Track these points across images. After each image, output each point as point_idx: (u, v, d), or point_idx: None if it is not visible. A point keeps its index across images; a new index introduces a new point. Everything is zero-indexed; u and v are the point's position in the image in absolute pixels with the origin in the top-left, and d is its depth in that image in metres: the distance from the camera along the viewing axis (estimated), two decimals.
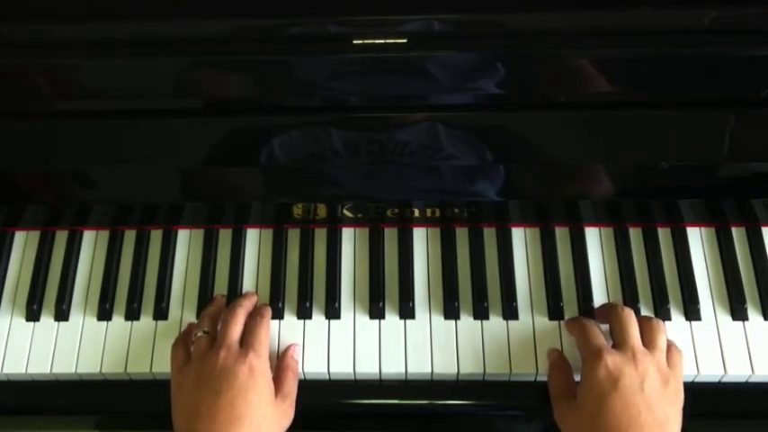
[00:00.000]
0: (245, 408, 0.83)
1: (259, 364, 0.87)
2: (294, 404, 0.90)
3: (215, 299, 0.98)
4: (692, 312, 0.96)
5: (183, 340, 0.93)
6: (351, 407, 0.96)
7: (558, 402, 0.89)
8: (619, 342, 0.88)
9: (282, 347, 0.95)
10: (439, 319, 0.96)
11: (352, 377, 0.95)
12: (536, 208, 0.99)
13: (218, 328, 0.92)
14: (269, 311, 0.95)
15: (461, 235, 1.01)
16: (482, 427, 1.00)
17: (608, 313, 0.92)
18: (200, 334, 0.91)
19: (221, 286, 0.99)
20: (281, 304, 0.97)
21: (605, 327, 0.93)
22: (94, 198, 0.97)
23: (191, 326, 0.96)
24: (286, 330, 0.96)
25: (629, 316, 0.90)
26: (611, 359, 0.84)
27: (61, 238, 1.03)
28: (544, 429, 0.93)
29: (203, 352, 0.89)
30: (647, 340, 0.88)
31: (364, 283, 0.99)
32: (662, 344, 0.88)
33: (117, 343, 0.96)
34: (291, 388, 0.91)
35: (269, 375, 0.88)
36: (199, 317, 0.96)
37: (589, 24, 0.84)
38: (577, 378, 0.90)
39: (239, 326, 0.92)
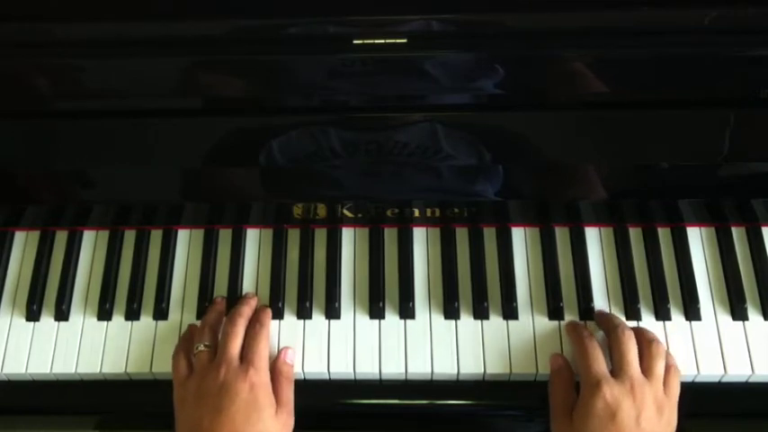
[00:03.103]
0: (246, 424, 0.84)
1: (259, 379, 0.88)
2: (293, 411, 0.90)
3: (215, 302, 0.97)
4: (691, 312, 0.96)
5: (184, 349, 0.93)
6: (351, 407, 0.96)
7: (557, 418, 0.89)
8: (617, 370, 0.88)
9: (282, 348, 0.95)
10: (439, 318, 0.96)
11: (353, 377, 0.95)
12: (536, 208, 0.99)
13: (219, 338, 0.92)
14: (268, 317, 0.95)
15: (461, 235, 1.01)
16: (482, 428, 1.00)
17: (608, 332, 0.92)
18: (201, 348, 0.91)
19: (221, 286, 0.99)
20: (280, 304, 0.97)
21: (601, 334, 0.93)
22: (94, 198, 0.97)
23: (191, 329, 0.96)
24: (286, 330, 0.96)
25: (629, 340, 0.89)
26: (610, 391, 0.85)
27: (61, 237, 1.03)
28: (544, 430, 0.93)
29: (204, 366, 0.89)
30: (646, 367, 0.88)
31: (364, 283, 0.99)
32: (660, 371, 0.88)
33: (117, 343, 0.96)
34: (288, 396, 0.90)
35: (269, 389, 0.88)
36: (199, 323, 0.96)
37: (588, 24, 0.84)
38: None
39: (239, 338, 0.91)
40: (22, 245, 1.03)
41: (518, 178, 0.93)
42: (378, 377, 0.95)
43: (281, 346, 0.95)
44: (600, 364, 0.88)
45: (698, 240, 1.00)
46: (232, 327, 0.92)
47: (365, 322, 0.96)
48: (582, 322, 0.95)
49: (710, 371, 0.93)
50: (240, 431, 0.83)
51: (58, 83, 0.87)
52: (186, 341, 0.94)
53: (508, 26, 0.85)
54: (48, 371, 0.95)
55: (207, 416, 0.84)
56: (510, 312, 0.96)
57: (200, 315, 0.98)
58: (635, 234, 1.01)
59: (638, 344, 0.90)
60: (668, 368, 0.89)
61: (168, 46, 0.85)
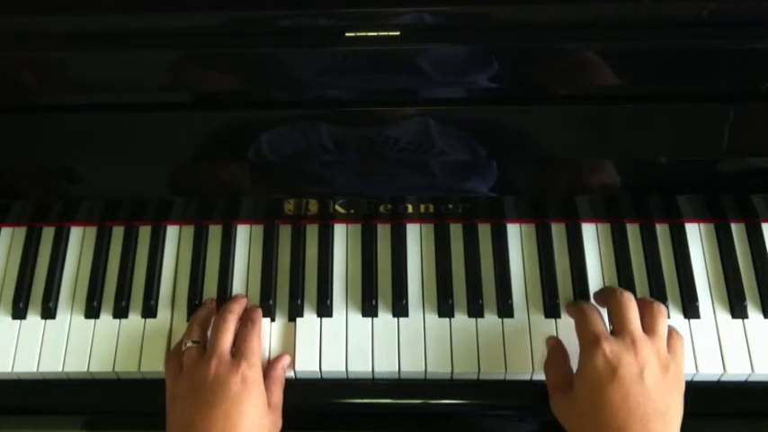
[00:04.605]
0: (240, 418, 0.83)
1: (252, 374, 0.86)
2: (281, 415, 0.89)
3: (204, 303, 0.96)
4: (690, 310, 0.94)
5: (176, 351, 0.92)
6: (343, 406, 0.95)
7: (555, 392, 0.87)
8: (617, 328, 0.86)
9: (273, 346, 0.94)
10: (433, 316, 0.95)
11: (345, 376, 0.93)
12: (531, 203, 0.98)
13: (209, 335, 0.91)
14: (260, 316, 0.94)
15: (456, 231, 0.99)
16: (477, 428, 0.99)
17: (607, 297, 0.90)
18: (189, 344, 0.90)
19: (211, 283, 0.98)
20: (271, 302, 0.96)
21: (605, 311, 0.91)
22: (82, 194, 0.96)
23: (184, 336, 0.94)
24: (277, 329, 0.95)
25: (629, 300, 0.87)
26: (609, 347, 0.83)
27: (48, 233, 1.01)
28: (540, 429, 0.92)
29: (194, 362, 0.88)
30: (647, 326, 0.86)
31: (357, 280, 0.97)
32: (662, 329, 0.86)
33: (105, 341, 0.95)
34: (279, 398, 0.90)
35: (262, 385, 0.87)
36: (188, 322, 0.95)
37: (585, 17, 0.83)
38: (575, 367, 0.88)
39: (230, 333, 0.90)
40: (8, 241, 1.01)
41: (513, 173, 0.92)
42: (371, 376, 0.93)
43: (273, 345, 0.94)
44: (597, 324, 0.86)
45: (697, 237, 0.99)
46: (223, 322, 0.91)
47: (358, 320, 0.95)
48: None
49: (709, 370, 0.91)
50: (234, 426, 0.82)
51: (44, 76, 0.86)
52: (179, 345, 0.93)
53: (503, 18, 0.84)
54: (34, 370, 0.94)
55: (199, 411, 0.83)
56: (505, 310, 0.95)
57: (189, 313, 0.96)
58: (633, 230, 1.00)
59: (639, 306, 0.88)
60: (670, 332, 0.88)
61: (156, 38, 0.84)
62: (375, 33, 0.83)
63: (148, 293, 0.97)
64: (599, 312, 0.89)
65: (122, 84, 0.86)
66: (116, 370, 0.93)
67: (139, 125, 0.89)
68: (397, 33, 0.82)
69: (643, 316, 0.87)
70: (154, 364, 0.93)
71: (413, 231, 1.00)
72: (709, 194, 0.95)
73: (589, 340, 0.85)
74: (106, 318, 0.96)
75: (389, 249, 0.99)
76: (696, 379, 0.92)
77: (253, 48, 0.84)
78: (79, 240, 1.01)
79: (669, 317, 0.94)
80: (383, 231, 1.00)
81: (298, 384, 0.93)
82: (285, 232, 1.00)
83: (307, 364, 0.93)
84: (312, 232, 1.00)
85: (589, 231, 1.00)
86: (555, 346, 0.91)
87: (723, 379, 0.92)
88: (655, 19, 0.82)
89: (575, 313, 0.91)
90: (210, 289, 0.98)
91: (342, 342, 0.94)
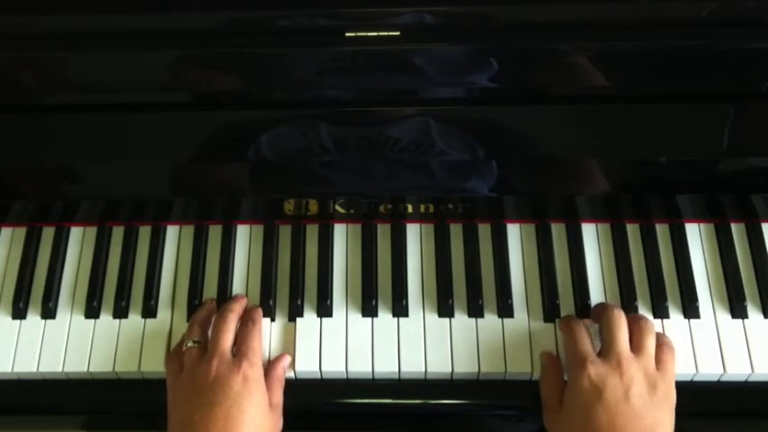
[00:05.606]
0: (241, 417, 0.83)
1: (253, 373, 0.86)
2: (281, 414, 0.89)
3: (204, 303, 0.96)
4: (690, 310, 0.94)
5: (177, 351, 0.92)
6: (343, 406, 0.95)
7: (548, 409, 0.88)
8: (605, 348, 0.87)
9: (273, 346, 0.94)
10: (433, 316, 0.95)
11: (345, 376, 0.93)
12: (531, 203, 0.98)
13: (209, 335, 0.91)
14: (260, 315, 0.94)
15: (456, 231, 0.99)
16: (477, 428, 0.99)
17: (599, 314, 0.91)
18: (190, 344, 0.90)
19: (211, 283, 0.98)
20: (271, 302, 0.96)
21: (596, 327, 0.92)
22: (82, 194, 0.96)
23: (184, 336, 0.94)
24: (277, 329, 0.95)
25: (619, 318, 0.88)
26: (595, 369, 0.84)
27: (48, 233, 1.01)
28: (540, 429, 0.91)
29: (195, 362, 0.88)
30: (635, 344, 0.87)
31: (357, 280, 0.97)
32: (650, 347, 0.87)
33: (105, 341, 0.95)
34: (279, 398, 0.90)
35: (263, 384, 0.87)
36: (188, 322, 0.95)
37: (585, 17, 0.83)
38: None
39: (231, 333, 0.90)
40: (8, 241, 1.01)
41: (513, 173, 0.92)
42: (371, 376, 0.93)
43: (273, 345, 0.94)
44: (584, 344, 0.87)
45: (697, 237, 0.99)
46: (223, 322, 0.91)
47: (358, 320, 0.95)
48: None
49: (709, 370, 0.91)
50: (235, 425, 0.82)
51: (44, 76, 0.86)
52: (179, 345, 0.93)
53: (503, 18, 0.84)
54: (34, 370, 0.93)
55: (200, 410, 0.83)
56: (505, 310, 0.95)
57: (189, 312, 0.96)
58: (633, 230, 1.00)
59: (628, 323, 0.89)
60: (660, 345, 0.88)
61: (156, 38, 0.84)
62: (375, 33, 0.83)
63: (148, 293, 0.97)
64: (587, 331, 0.90)
65: (122, 84, 0.86)
66: (116, 370, 0.93)
67: (139, 125, 0.89)
68: (397, 33, 0.82)
69: (632, 334, 0.88)
70: (154, 364, 0.93)
71: (413, 231, 1.00)
72: (709, 194, 0.95)
73: (576, 361, 0.86)
74: (106, 318, 0.96)
75: (389, 249, 0.99)
76: (696, 379, 0.92)
77: (253, 48, 0.84)
78: (79, 240, 1.01)
79: (669, 317, 0.94)
80: (383, 231, 1.00)
81: (298, 384, 0.93)
82: (285, 232, 1.00)
83: (307, 364, 0.93)
84: (312, 232, 1.00)
85: (589, 231, 1.00)
86: (548, 363, 0.91)
87: (723, 379, 0.92)
88: (655, 19, 0.82)
89: (564, 330, 0.91)
90: (211, 289, 0.98)
91: (342, 342, 0.94)
